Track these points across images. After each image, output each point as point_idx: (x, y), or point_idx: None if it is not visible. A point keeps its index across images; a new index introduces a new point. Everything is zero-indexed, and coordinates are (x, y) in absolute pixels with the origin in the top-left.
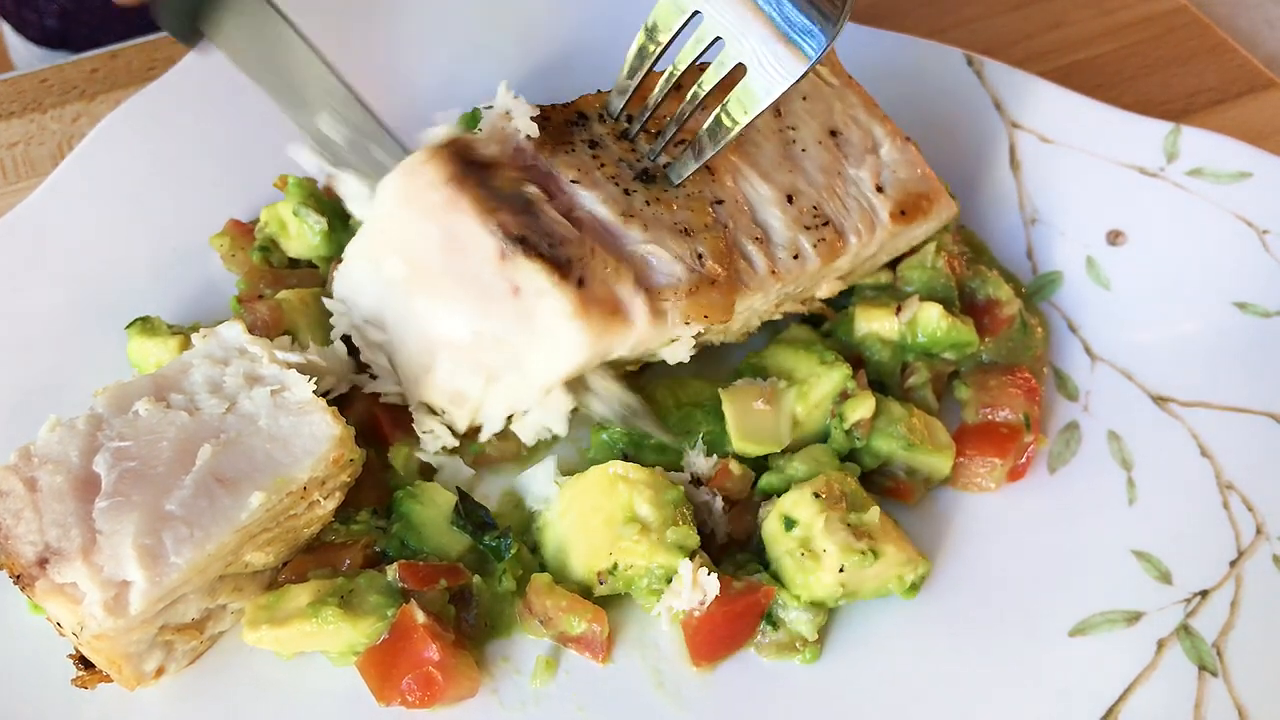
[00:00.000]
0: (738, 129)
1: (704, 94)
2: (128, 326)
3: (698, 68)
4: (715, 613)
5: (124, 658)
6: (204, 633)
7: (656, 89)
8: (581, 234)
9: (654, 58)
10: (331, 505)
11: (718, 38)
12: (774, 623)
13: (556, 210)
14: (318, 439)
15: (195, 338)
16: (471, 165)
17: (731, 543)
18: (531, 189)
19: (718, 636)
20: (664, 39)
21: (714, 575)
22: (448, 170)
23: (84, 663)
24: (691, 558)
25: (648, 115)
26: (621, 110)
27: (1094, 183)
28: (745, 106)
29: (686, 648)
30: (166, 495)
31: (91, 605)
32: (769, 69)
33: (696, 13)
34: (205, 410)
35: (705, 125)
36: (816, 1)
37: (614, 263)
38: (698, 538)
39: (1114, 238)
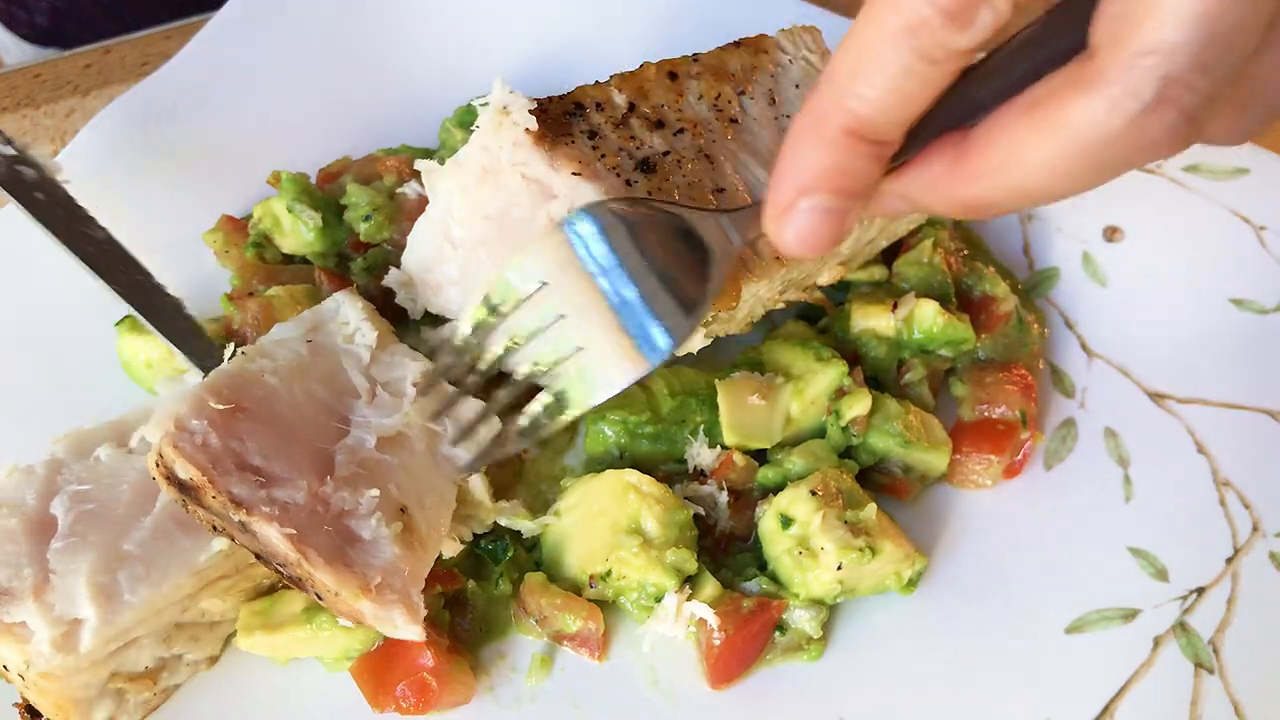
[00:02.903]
0: (564, 418)
1: (535, 373)
2: (118, 324)
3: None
4: (734, 637)
5: (72, 703)
6: (157, 684)
7: (492, 353)
8: None
9: (493, 329)
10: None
11: (562, 315)
12: (780, 627)
13: None
14: None
15: (159, 385)
16: None
17: (732, 537)
18: None
19: (738, 660)
20: (506, 310)
21: (705, 606)
22: None
23: (31, 712)
24: (688, 583)
25: (645, 107)
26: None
27: None
28: (572, 398)
29: (707, 675)
30: (124, 536)
31: (40, 643)
32: (603, 365)
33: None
34: None
35: (528, 412)
36: (667, 304)
37: None
38: (696, 564)
39: (1111, 234)
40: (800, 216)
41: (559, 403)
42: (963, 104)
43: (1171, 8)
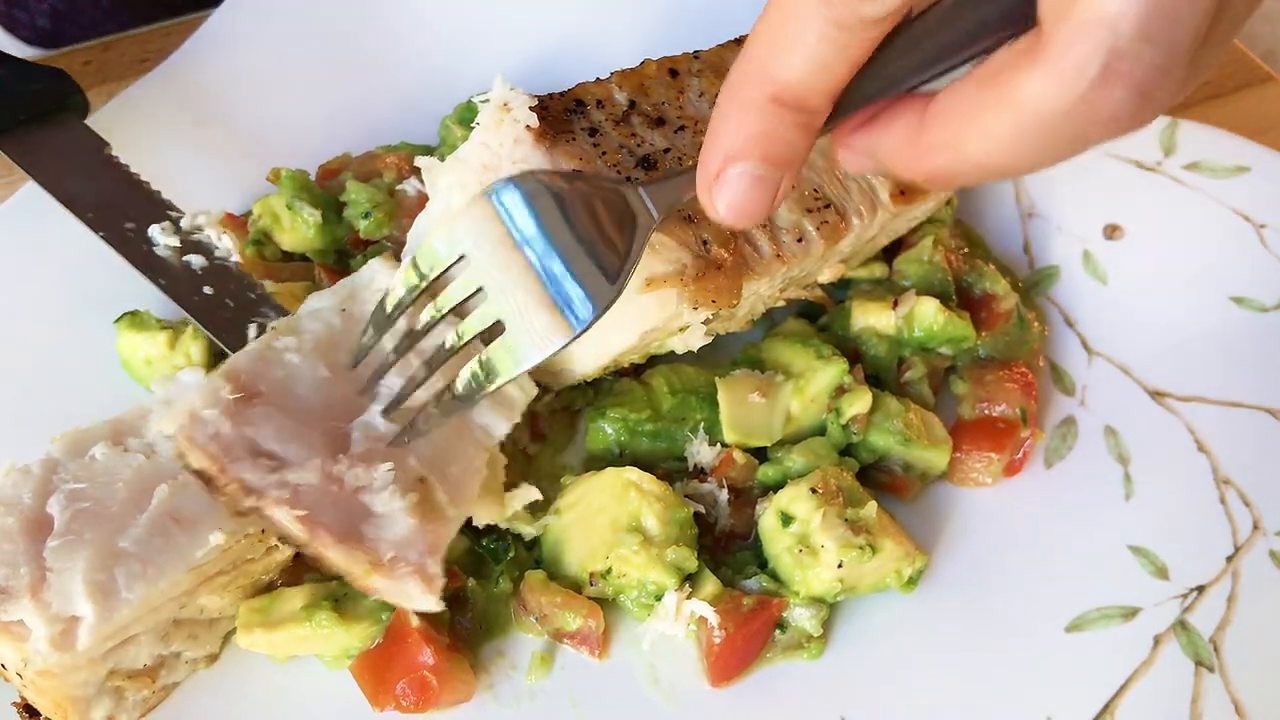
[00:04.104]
0: (489, 388)
1: (460, 344)
2: (117, 320)
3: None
4: (735, 635)
5: (70, 701)
6: (156, 681)
7: (416, 328)
8: None
9: (415, 297)
10: (290, 550)
11: (480, 288)
12: (780, 625)
13: None
14: None
15: (154, 383)
16: None
17: (732, 535)
18: None
19: (738, 658)
20: (429, 279)
21: (705, 604)
22: None
23: (29, 710)
24: (688, 581)
25: (645, 104)
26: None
27: (1091, 177)
28: (499, 367)
29: (709, 674)
30: (120, 533)
31: (38, 640)
32: (529, 333)
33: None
34: (163, 453)
35: (459, 379)
36: (591, 273)
37: None
38: (696, 563)
39: (1111, 232)
40: (730, 184)
41: (486, 371)
42: (898, 68)
43: None
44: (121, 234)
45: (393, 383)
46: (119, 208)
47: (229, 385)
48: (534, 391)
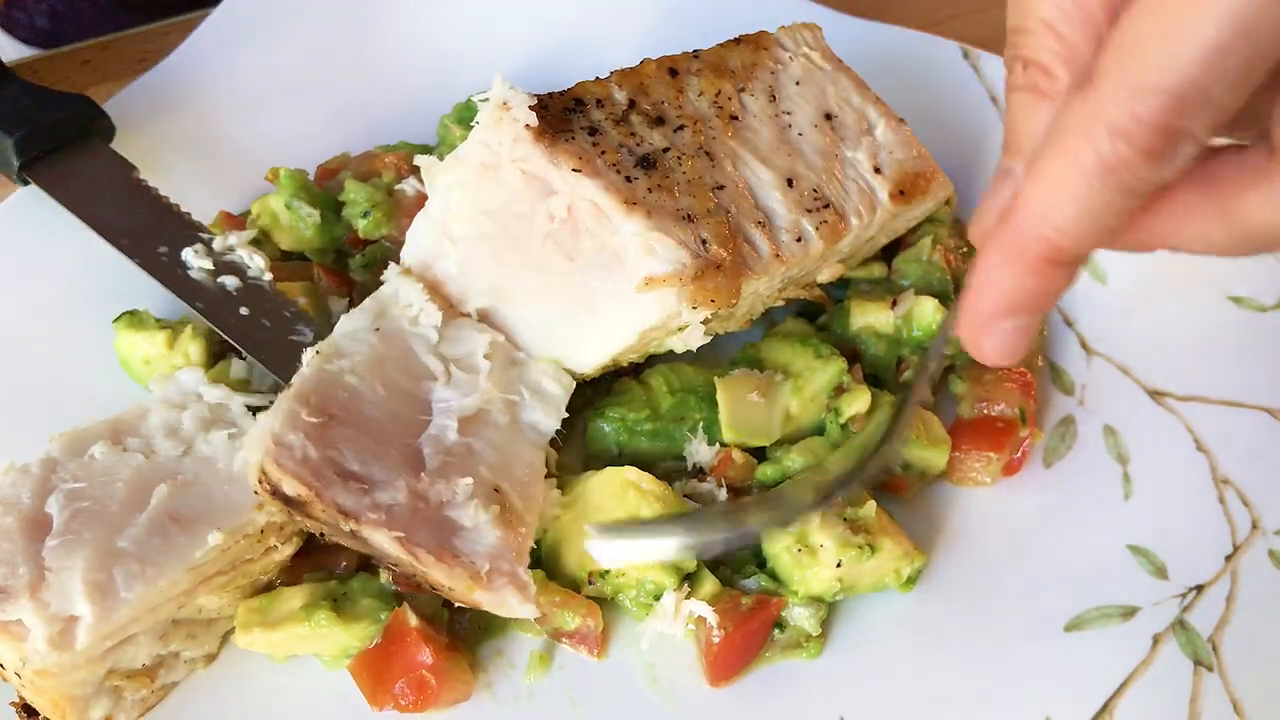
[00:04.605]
0: None
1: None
2: (115, 320)
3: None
4: (733, 635)
5: (69, 700)
6: (155, 681)
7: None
8: None
9: None
10: (289, 550)
11: None
12: (779, 624)
13: None
14: None
15: (153, 383)
16: None
17: None
18: None
19: (737, 658)
20: None
21: (704, 604)
22: None
23: (27, 710)
24: (687, 581)
25: (645, 104)
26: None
27: None
28: None
29: (706, 672)
30: (119, 533)
31: (36, 640)
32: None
33: None
34: (162, 453)
35: None
36: None
37: None
38: (695, 562)
39: None
40: (1001, 334)
41: None
42: None
43: None
44: (156, 259)
45: (447, 395)
46: (151, 232)
47: (304, 409)
48: (572, 384)
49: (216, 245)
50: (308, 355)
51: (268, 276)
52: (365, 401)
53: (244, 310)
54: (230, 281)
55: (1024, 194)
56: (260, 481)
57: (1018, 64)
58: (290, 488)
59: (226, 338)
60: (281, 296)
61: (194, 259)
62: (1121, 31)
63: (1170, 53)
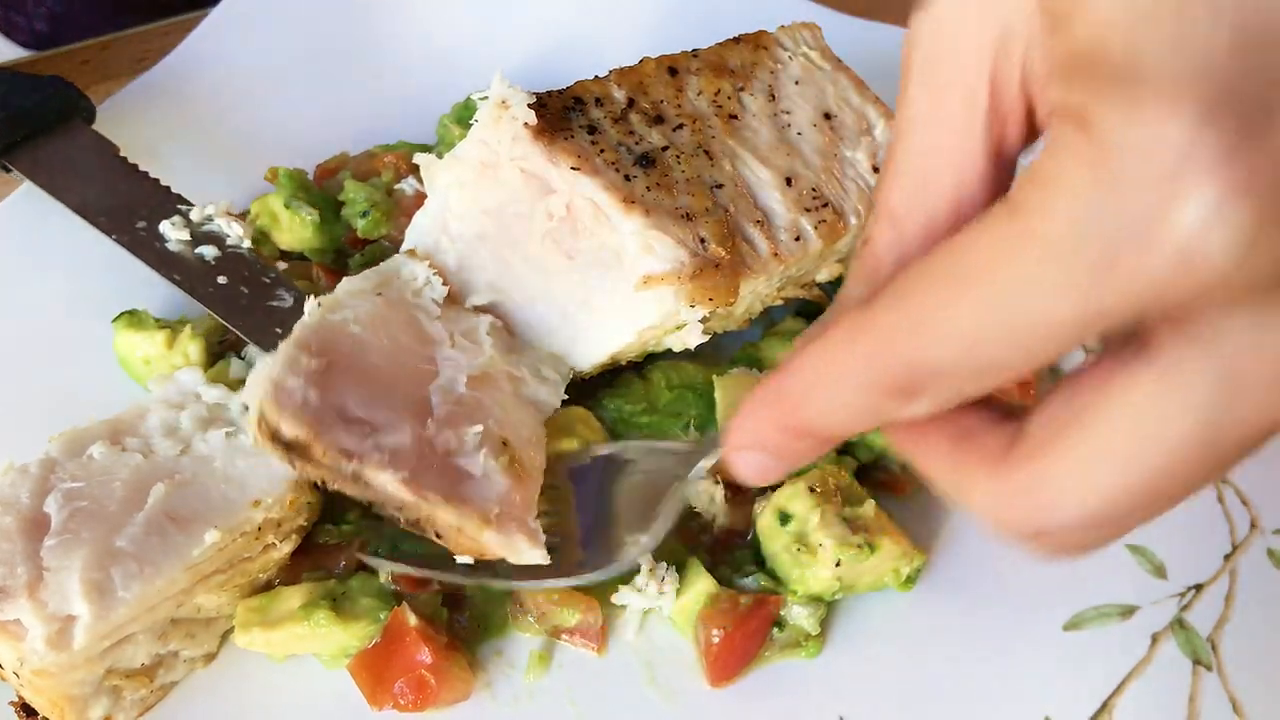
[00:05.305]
0: None
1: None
2: (114, 320)
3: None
4: (733, 634)
5: (67, 700)
6: (154, 680)
7: None
8: None
9: None
10: (287, 548)
11: None
12: (778, 624)
13: None
14: (274, 480)
15: (152, 383)
16: None
17: (730, 534)
18: None
19: (736, 657)
20: None
21: (674, 570)
22: None
23: (26, 710)
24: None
25: (644, 102)
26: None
27: None
28: None
29: (707, 674)
30: (117, 532)
31: (34, 640)
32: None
33: None
34: (160, 453)
35: None
36: None
37: None
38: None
39: None
40: (745, 462)
41: None
42: None
43: None
44: (134, 234)
45: (453, 354)
46: (130, 208)
47: (306, 354)
48: (570, 372)
49: (194, 216)
50: (309, 305)
51: (246, 244)
52: (370, 349)
53: (222, 279)
54: (209, 251)
55: (790, 364)
56: (259, 427)
57: (863, 235)
58: (289, 429)
59: (204, 305)
60: (261, 262)
61: (171, 231)
62: (913, 278)
63: (934, 328)
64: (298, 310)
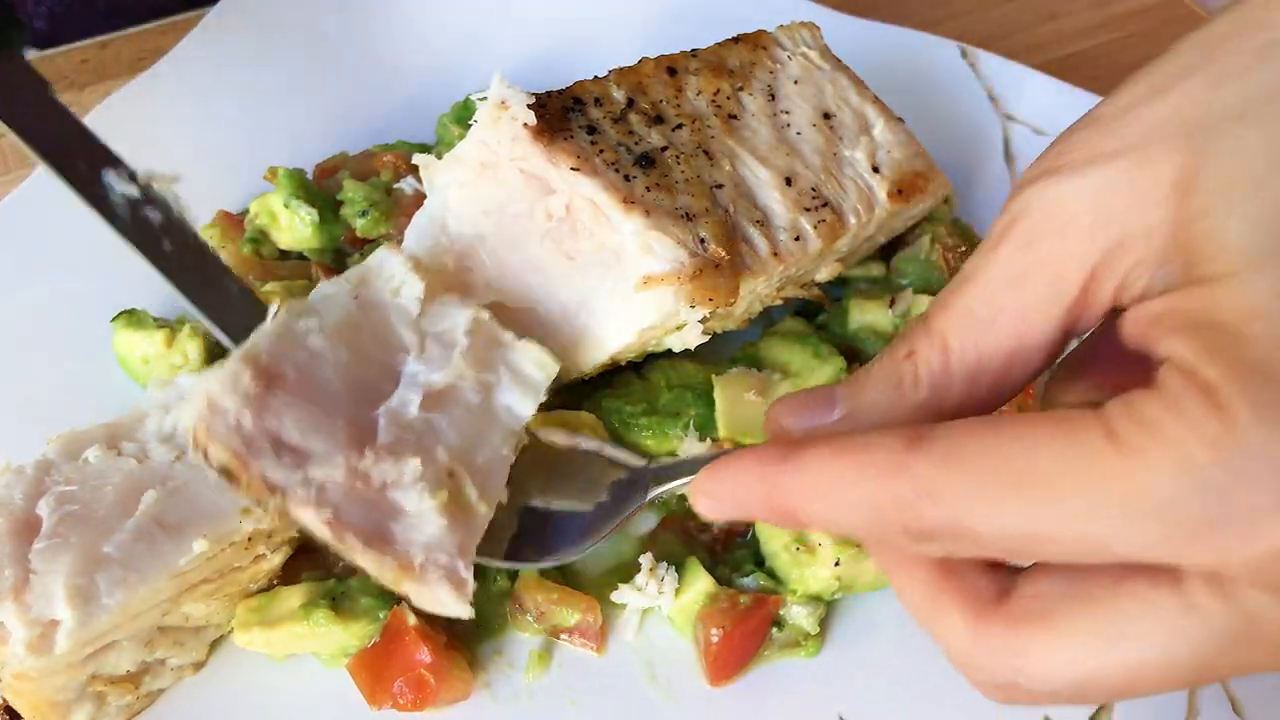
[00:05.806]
0: None
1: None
2: (114, 319)
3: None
4: (732, 634)
5: (50, 705)
6: (140, 687)
7: None
8: None
9: None
10: (278, 559)
11: None
12: (778, 623)
13: None
14: None
15: (151, 385)
16: None
17: (728, 533)
18: None
19: (736, 656)
20: None
21: (674, 570)
22: None
23: (10, 713)
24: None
25: (643, 102)
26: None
27: None
28: None
29: (707, 673)
30: (106, 538)
31: (15, 643)
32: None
33: None
34: (155, 458)
35: None
36: None
37: None
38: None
39: None
40: (713, 508)
41: None
42: None
43: None
44: (80, 176)
45: (418, 368)
46: (70, 151)
47: (249, 371)
48: (555, 370)
49: (140, 176)
50: (271, 309)
51: (190, 215)
52: (324, 365)
53: (168, 245)
54: (154, 216)
55: (812, 469)
56: (194, 444)
57: (906, 344)
58: (215, 455)
59: (155, 268)
60: (206, 243)
61: (117, 183)
62: (974, 448)
63: (984, 510)
64: (246, 297)
